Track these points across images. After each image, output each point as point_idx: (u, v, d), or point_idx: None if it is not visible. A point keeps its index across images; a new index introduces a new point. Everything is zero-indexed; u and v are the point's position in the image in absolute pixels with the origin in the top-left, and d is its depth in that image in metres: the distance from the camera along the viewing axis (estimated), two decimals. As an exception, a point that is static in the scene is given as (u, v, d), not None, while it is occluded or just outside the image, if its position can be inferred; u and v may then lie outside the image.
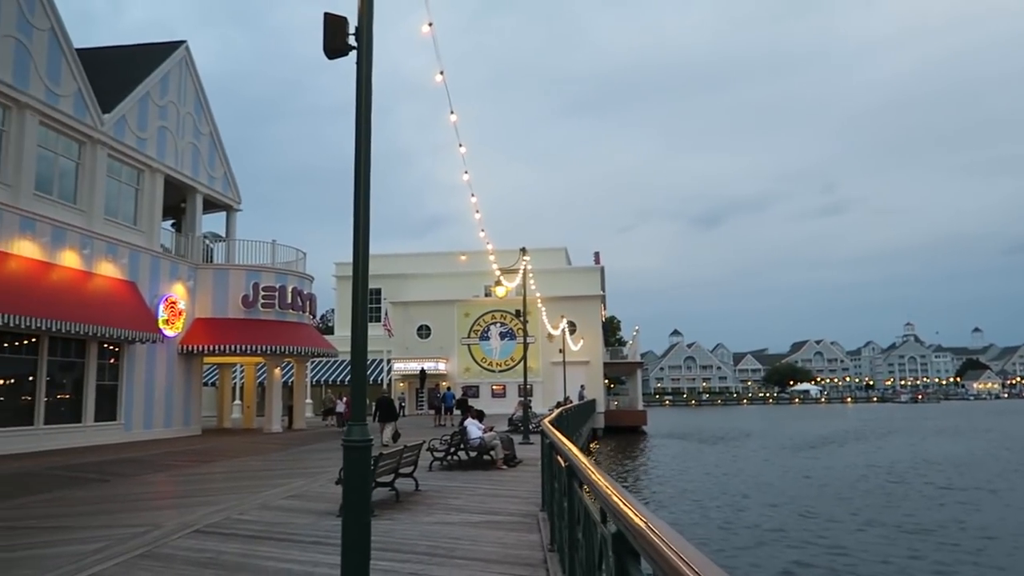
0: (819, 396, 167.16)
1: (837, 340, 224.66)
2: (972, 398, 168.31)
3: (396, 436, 20.69)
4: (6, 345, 19.20)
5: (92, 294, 21.49)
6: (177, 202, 28.99)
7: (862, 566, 14.42)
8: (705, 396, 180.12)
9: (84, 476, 14.43)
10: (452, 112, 13.88)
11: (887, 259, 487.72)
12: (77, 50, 22.09)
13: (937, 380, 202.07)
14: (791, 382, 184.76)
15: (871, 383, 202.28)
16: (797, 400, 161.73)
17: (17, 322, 17.73)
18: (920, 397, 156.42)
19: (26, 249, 19.44)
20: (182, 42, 28.04)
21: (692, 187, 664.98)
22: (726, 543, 16.73)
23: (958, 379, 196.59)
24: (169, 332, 25.45)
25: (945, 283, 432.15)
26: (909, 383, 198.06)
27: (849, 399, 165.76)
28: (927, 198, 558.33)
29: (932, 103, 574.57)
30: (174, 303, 25.86)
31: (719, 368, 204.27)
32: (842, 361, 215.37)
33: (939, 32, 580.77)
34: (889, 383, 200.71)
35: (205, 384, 33.45)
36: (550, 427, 8.74)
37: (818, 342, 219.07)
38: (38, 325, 18.45)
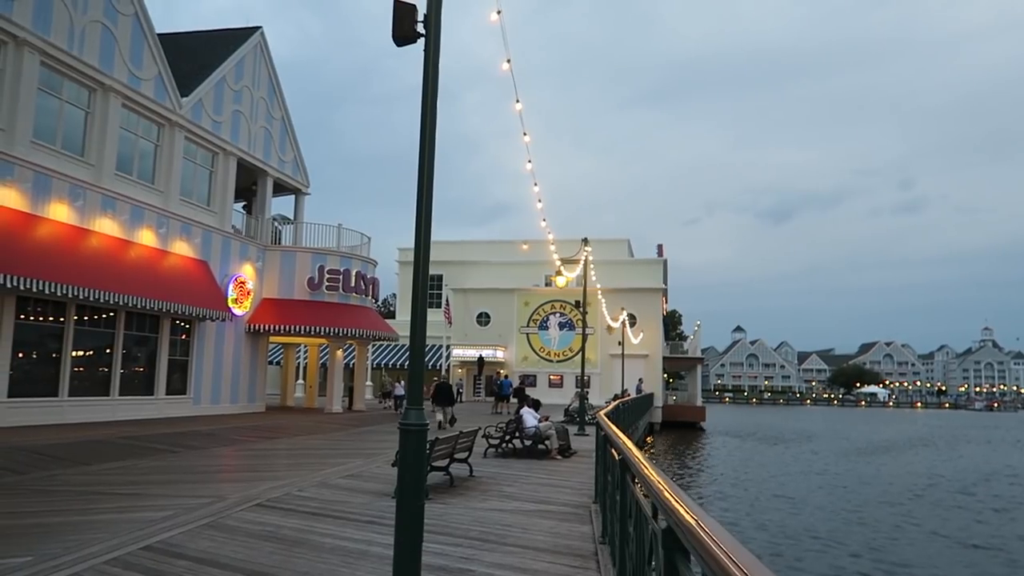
0: (887, 400, 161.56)
1: (909, 343, 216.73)
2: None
3: (453, 420, 22.30)
4: (86, 319, 20.11)
5: (166, 272, 22.31)
6: (248, 184, 29.82)
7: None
8: (767, 395, 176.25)
9: (155, 447, 15.04)
10: (518, 101, 13.87)
11: (966, 260, 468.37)
12: (157, 35, 22.87)
13: (1015, 388, 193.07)
14: (858, 384, 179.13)
15: (943, 389, 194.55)
16: (863, 403, 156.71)
17: (97, 296, 18.54)
18: (996, 405, 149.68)
19: (106, 227, 20.29)
20: (257, 28, 28.74)
21: (762, 180, 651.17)
22: (778, 546, 16.39)
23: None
24: (238, 311, 26.23)
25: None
26: (985, 390, 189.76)
27: (919, 404, 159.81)
28: (1014, 196, 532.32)
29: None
30: (243, 283, 26.64)
31: (782, 367, 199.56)
32: (913, 365, 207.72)
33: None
34: (963, 389, 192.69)
35: (270, 363, 34.42)
36: (605, 420, 8.69)
37: (888, 344, 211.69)
38: (116, 300, 19.26)
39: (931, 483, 27.80)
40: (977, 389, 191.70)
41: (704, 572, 2.13)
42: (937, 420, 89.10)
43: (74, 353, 19.68)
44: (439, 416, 22.41)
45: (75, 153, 19.91)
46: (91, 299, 18.54)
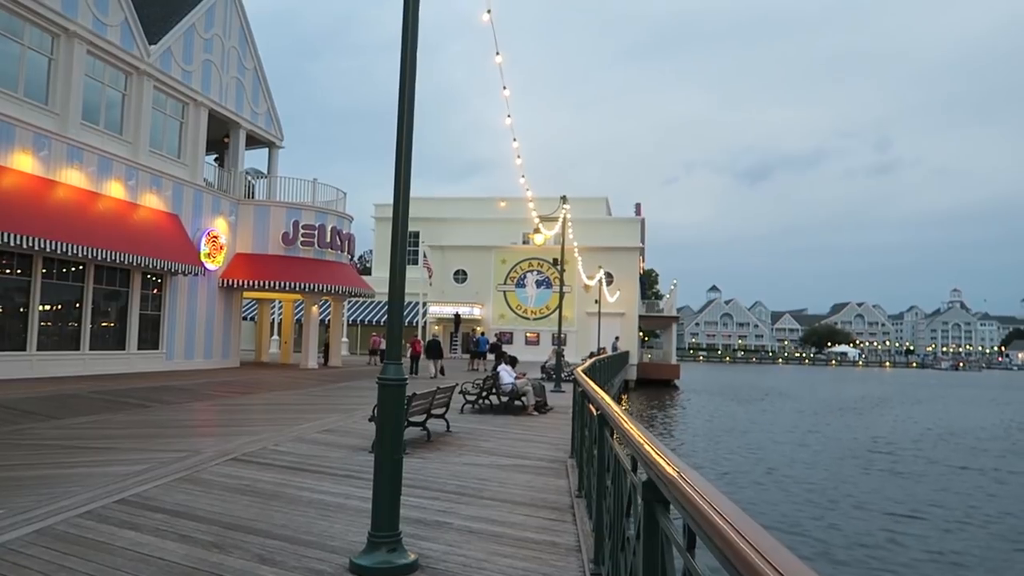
0: (857, 359, 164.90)
1: (880, 303, 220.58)
2: (1016, 368, 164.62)
3: (442, 371, 26.50)
4: (54, 272, 19.70)
5: (136, 225, 21.87)
6: (220, 137, 29.16)
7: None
8: (740, 353, 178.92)
9: (127, 401, 14.90)
10: (498, 53, 13.61)
11: (938, 222, 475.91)
12: (124, -20, 22.05)
13: (981, 348, 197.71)
14: (829, 344, 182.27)
15: (912, 348, 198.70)
16: (834, 362, 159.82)
17: (64, 249, 18.14)
18: (961, 365, 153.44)
19: (73, 178, 19.77)
20: (228, -26, 27.80)
21: (741, 140, 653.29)
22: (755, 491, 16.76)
23: (1003, 348, 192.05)
24: (210, 265, 25.87)
25: (997, 249, 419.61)
26: (951, 350, 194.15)
27: (887, 363, 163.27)
28: (988, 159, 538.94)
29: (1014, 60, 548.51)
30: (216, 237, 26.22)
31: (756, 326, 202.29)
32: (883, 325, 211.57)
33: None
34: (931, 349, 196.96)
35: (244, 318, 34.14)
36: (583, 376, 8.71)
37: (859, 304, 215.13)
38: (84, 253, 18.87)
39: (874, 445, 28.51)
40: (944, 349, 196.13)
41: (685, 521, 2.14)
42: (904, 379, 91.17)
43: (42, 307, 19.32)
44: (432, 368, 26.55)
45: (39, 101, 19.27)
46: (58, 252, 18.15)
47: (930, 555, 12.68)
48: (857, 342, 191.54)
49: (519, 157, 20.35)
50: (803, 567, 1.38)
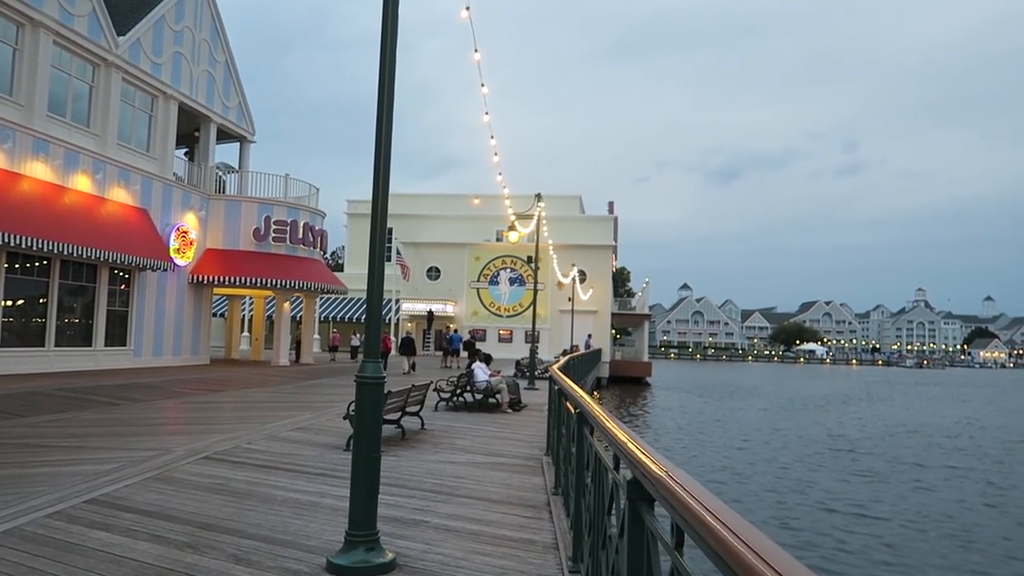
0: (824, 357, 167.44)
1: (847, 302, 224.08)
2: (977, 366, 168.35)
3: (413, 367, 27.08)
4: (18, 267, 19.27)
5: (104, 219, 21.46)
6: (190, 131, 28.71)
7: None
8: (711, 351, 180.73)
9: (95, 399, 14.62)
10: (476, 51, 13.55)
11: (904, 223, 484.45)
12: (92, -31, 21.59)
13: (944, 347, 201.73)
14: (798, 341, 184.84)
15: (878, 347, 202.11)
16: (802, 360, 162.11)
17: (28, 243, 17.72)
18: (926, 363, 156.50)
19: (38, 171, 19.33)
20: (199, -35, 27.34)
21: (713, 140, 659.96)
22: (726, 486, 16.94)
23: (965, 347, 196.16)
24: (180, 261, 25.47)
25: (961, 250, 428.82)
26: (916, 348, 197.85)
27: (854, 361, 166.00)
28: (952, 161, 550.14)
29: (980, 66, 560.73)
30: (185, 232, 25.83)
31: (726, 324, 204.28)
32: (850, 323, 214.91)
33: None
34: (896, 347, 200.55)
35: (214, 315, 33.66)
36: (559, 374, 8.71)
37: (827, 303, 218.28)
38: (49, 248, 18.45)
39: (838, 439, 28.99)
40: (909, 347, 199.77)
41: (674, 519, 2.14)
42: (870, 377, 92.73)
43: (6, 302, 18.88)
44: (405, 364, 27.34)
45: (3, 92, 18.80)
46: (23, 246, 17.71)
47: (889, 553, 12.91)
48: (825, 340, 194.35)
49: (496, 154, 20.33)
50: (798, 565, 1.38)
